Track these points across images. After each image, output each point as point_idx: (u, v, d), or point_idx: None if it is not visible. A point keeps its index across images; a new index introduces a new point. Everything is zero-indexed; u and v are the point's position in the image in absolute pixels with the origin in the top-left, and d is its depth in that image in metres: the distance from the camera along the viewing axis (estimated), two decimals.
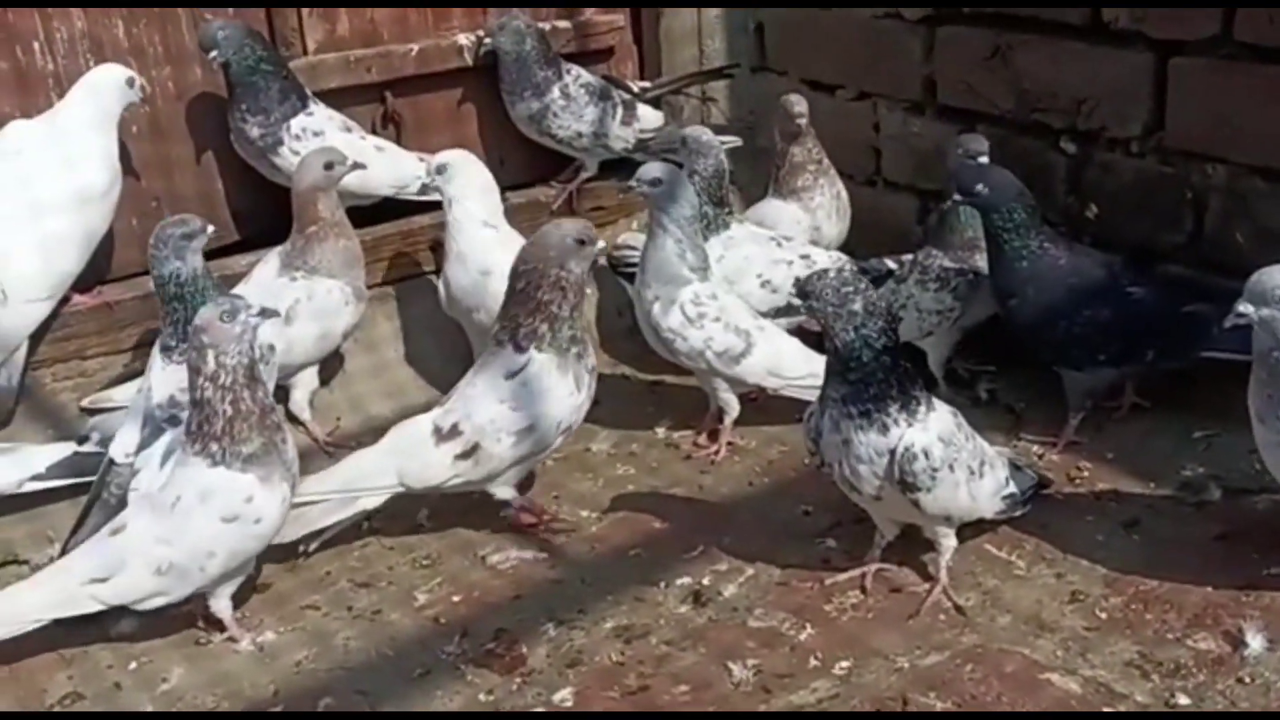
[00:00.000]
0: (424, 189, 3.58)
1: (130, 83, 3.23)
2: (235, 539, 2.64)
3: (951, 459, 2.46)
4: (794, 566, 2.80)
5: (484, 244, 3.39)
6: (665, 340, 3.24)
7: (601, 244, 3.02)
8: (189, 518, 2.61)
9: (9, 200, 3.09)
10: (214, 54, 3.38)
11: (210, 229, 3.03)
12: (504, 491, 3.02)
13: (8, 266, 3.08)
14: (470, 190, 3.40)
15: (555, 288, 2.88)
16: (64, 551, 2.92)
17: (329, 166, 3.23)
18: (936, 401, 2.52)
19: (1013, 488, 2.68)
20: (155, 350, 3.04)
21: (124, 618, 2.75)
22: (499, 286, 3.07)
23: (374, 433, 3.51)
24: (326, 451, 3.38)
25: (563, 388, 2.92)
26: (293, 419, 3.35)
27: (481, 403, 2.91)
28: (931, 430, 2.45)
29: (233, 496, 2.61)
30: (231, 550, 2.65)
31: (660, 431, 3.49)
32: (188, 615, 2.80)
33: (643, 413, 3.59)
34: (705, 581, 2.78)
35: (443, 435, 2.91)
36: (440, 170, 3.39)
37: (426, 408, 3.62)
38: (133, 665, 2.72)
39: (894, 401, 2.44)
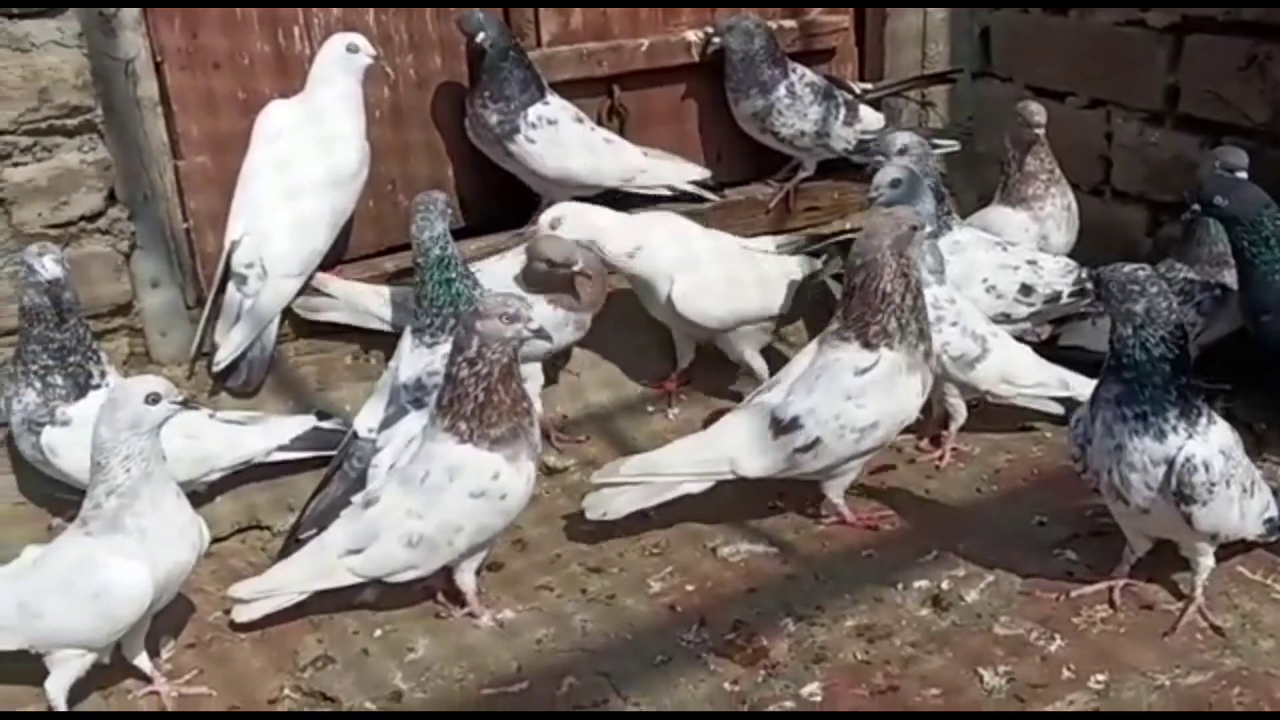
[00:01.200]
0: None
1: (351, 48, 3.26)
2: (482, 514, 2.70)
3: (1229, 474, 2.40)
4: (1035, 576, 2.77)
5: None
6: None
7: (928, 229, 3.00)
8: (439, 492, 2.68)
9: (270, 182, 3.22)
10: (481, 35, 3.44)
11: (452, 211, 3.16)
12: (835, 490, 3.02)
13: (268, 244, 3.21)
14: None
15: (898, 276, 2.86)
16: (299, 520, 3.03)
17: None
18: (1215, 414, 2.47)
19: (1274, 510, 2.61)
20: (407, 331, 3.12)
21: (369, 587, 2.85)
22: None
23: (592, 420, 3.60)
24: (556, 446, 3.44)
25: (910, 387, 2.90)
26: None
27: (826, 399, 2.89)
28: (1213, 443, 2.40)
29: (480, 473, 2.67)
30: (479, 525, 2.71)
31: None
32: (426, 588, 2.88)
33: None
34: (944, 586, 2.77)
35: (782, 428, 2.91)
36: (554, 224, 3.31)
37: (642, 397, 3.71)
38: (378, 633, 2.80)
39: (1172, 408, 2.39)
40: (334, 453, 3.11)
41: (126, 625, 2.50)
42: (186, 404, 2.51)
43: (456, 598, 2.84)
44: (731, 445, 2.95)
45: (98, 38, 2.96)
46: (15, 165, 2.92)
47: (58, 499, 3.06)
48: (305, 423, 3.23)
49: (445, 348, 2.89)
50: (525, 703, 2.57)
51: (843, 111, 3.88)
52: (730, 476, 2.95)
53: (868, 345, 2.87)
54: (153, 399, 2.42)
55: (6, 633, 2.49)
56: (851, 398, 2.87)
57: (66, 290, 2.78)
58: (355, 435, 3.08)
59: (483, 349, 2.61)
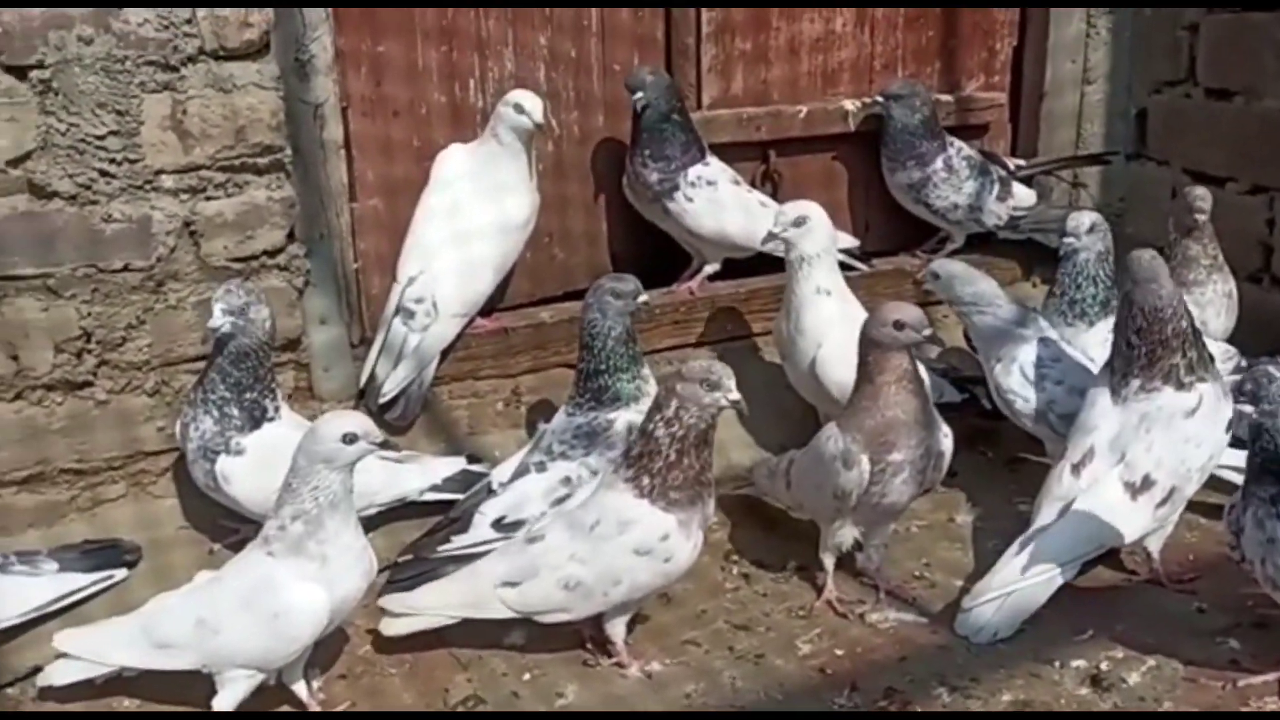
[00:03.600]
0: (769, 238, 3.38)
1: (517, 109, 3.31)
2: (643, 572, 2.71)
3: None
4: (1198, 664, 2.71)
5: (823, 313, 3.36)
6: (1006, 401, 3.27)
7: None
8: (605, 542, 2.69)
9: (443, 225, 3.32)
10: (639, 95, 3.54)
11: (642, 298, 3.11)
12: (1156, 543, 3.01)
13: (438, 284, 3.30)
14: (821, 248, 3.34)
15: (1177, 316, 2.92)
16: (394, 563, 3.06)
17: None
18: None
19: None
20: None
21: (516, 628, 2.88)
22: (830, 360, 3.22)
23: (733, 480, 3.61)
24: None
25: (1225, 412, 2.94)
26: None
27: (1169, 448, 2.90)
28: None
29: (651, 532, 2.67)
30: (637, 582, 2.72)
31: (1023, 507, 3.44)
32: (574, 634, 2.90)
33: (1003, 489, 3.55)
34: (1103, 666, 2.72)
35: (1136, 489, 2.90)
36: (799, 222, 3.31)
37: (782, 449, 3.69)
38: (527, 676, 2.82)
39: None
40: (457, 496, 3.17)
41: (302, 647, 2.56)
42: (384, 445, 2.57)
43: (604, 646, 2.86)
44: (1101, 521, 2.89)
45: (293, 81, 3.09)
46: (208, 199, 3.04)
47: (220, 524, 3.16)
48: (456, 464, 3.29)
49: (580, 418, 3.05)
50: None
51: (997, 187, 3.90)
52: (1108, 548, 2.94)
53: (1181, 386, 2.92)
54: (349, 439, 2.49)
55: (182, 651, 2.56)
56: (1188, 441, 2.89)
57: (242, 338, 2.88)
58: (490, 488, 3.12)
59: (680, 411, 2.63)
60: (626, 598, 2.75)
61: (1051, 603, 2.96)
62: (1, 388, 2.95)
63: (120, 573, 2.98)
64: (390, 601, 2.84)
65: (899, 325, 2.82)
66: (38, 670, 2.78)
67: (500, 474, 3.13)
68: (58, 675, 2.66)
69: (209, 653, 2.55)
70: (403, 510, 3.24)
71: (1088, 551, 2.90)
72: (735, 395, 2.63)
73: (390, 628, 2.83)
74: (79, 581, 2.90)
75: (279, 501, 2.55)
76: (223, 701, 2.56)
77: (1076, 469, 2.96)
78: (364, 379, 3.36)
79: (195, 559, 3.09)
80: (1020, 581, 2.85)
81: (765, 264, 3.81)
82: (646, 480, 2.66)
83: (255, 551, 2.58)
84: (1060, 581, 2.87)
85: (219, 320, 2.81)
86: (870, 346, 2.87)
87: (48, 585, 2.85)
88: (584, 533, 2.72)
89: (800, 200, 3.41)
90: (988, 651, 2.81)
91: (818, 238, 3.33)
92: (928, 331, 2.86)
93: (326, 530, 2.52)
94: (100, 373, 3.03)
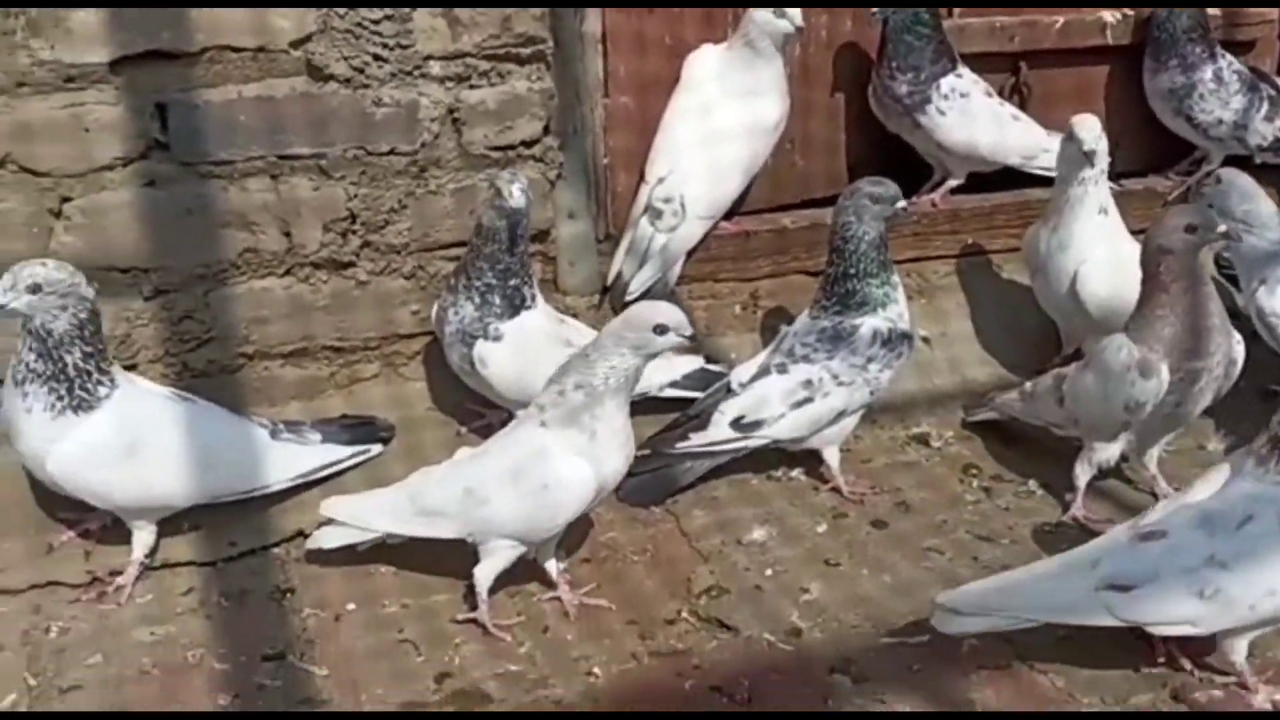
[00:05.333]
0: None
1: (777, 12, 3.24)
2: None
3: None
4: None
5: (1093, 231, 3.27)
6: (1268, 325, 3.16)
7: None
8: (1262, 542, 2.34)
9: (694, 126, 3.32)
10: (874, 12, 3.46)
11: (900, 204, 3.05)
12: None
13: (687, 185, 3.30)
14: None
15: None
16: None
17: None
18: None
19: None
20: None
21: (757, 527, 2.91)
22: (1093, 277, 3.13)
23: (968, 394, 3.54)
24: None
25: None
26: None
27: None
28: None
29: None
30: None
31: None
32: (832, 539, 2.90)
33: (1254, 419, 3.36)
34: None
35: None
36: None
37: (1017, 368, 3.61)
38: (769, 572, 2.85)
39: None
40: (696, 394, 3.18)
41: (566, 520, 2.62)
42: (692, 339, 2.59)
43: None
44: None
45: None
46: (472, 87, 3.08)
47: (467, 409, 3.24)
48: (695, 362, 3.30)
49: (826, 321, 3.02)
50: (924, 657, 2.56)
51: (1265, 106, 3.71)
52: None
53: None
54: (661, 330, 2.52)
55: (449, 519, 2.64)
56: None
57: (524, 219, 2.92)
58: (728, 388, 3.12)
59: None
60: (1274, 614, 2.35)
61: None
62: (274, 263, 3.06)
63: (375, 448, 3.08)
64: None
65: (1190, 229, 2.75)
66: (301, 534, 2.94)
67: (740, 374, 3.13)
68: (326, 539, 2.77)
69: (476, 521, 2.62)
70: (640, 405, 3.27)
71: None
72: None
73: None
74: (339, 453, 3.01)
75: (565, 368, 2.59)
76: (483, 570, 2.64)
77: None
78: (610, 277, 3.39)
79: (444, 440, 3.19)
80: None
81: (1010, 179, 3.72)
82: None
83: (527, 424, 2.64)
84: None
85: (519, 200, 2.86)
86: (1161, 255, 2.80)
87: (312, 454, 2.96)
88: (1229, 532, 2.37)
89: (1084, 114, 3.29)
90: None
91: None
92: (1221, 228, 2.80)
93: (604, 409, 2.56)
94: (363, 254, 3.13)
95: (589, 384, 2.55)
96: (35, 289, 2.50)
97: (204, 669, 2.56)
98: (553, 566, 2.75)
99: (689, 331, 2.56)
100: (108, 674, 2.53)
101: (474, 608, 2.67)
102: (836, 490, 3.14)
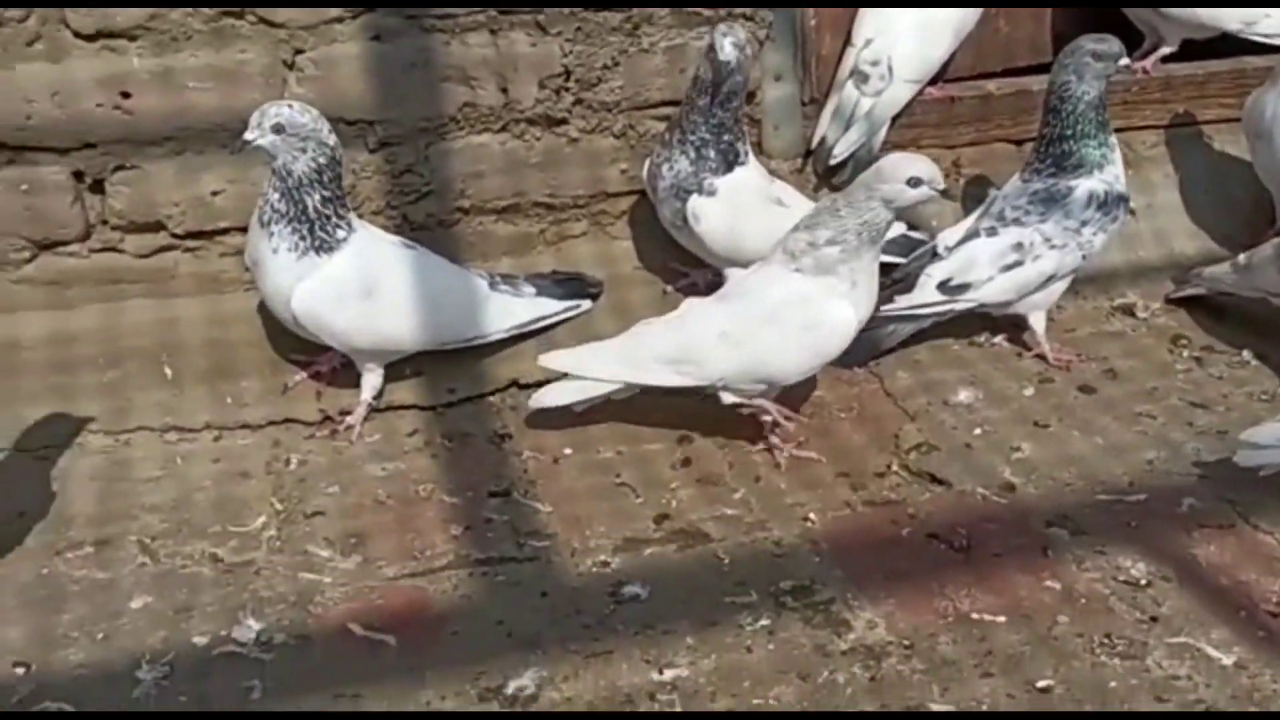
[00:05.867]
0: None
1: None
2: None
3: None
4: None
5: None
6: None
7: None
8: None
9: None
10: None
11: (1124, 61, 2.99)
12: None
13: (896, 47, 3.27)
14: None
15: None
16: None
17: None
18: None
19: None
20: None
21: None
22: None
23: (1174, 267, 3.47)
24: None
25: None
26: None
27: None
28: None
29: None
30: None
31: None
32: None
33: None
34: None
35: None
36: None
37: (1227, 240, 3.52)
38: (977, 431, 2.86)
39: None
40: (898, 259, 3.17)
41: (823, 362, 2.68)
42: (945, 194, 2.60)
43: None
44: None
45: None
46: None
47: (671, 267, 3.29)
48: (897, 228, 3.28)
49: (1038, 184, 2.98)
50: (1142, 515, 2.56)
51: None
52: None
53: None
54: (914, 182, 2.52)
55: (695, 365, 2.68)
56: None
57: (739, 74, 2.91)
58: (935, 251, 3.11)
59: None
60: None
61: None
62: (491, 118, 3.12)
63: (585, 303, 3.15)
64: None
65: None
66: (516, 384, 3.03)
67: (948, 238, 3.12)
68: (551, 397, 2.82)
69: (729, 364, 2.66)
70: None
71: None
72: None
73: None
74: (552, 307, 3.08)
75: (813, 221, 2.61)
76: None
77: None
78: (814, 141, 3.38)
79: (650, 298, 3.25)
80: None
81: (1227, 46, 3.60)
82: None
83: (776, 268, 2.65)
84: None
85: (729, 54, 2.86)
86: None
87: (527, 306, 3.04)
88: None
89: None
90: None
91: None
92: None
93: (861, 261, 2.59)
94: (575, 111, 3.17)
95: (843, 239, 2.56)
96: (279, 129, 2.60)
97: (434, 502, 2.68)
98: (773, 408, 2.77)
99: (942, 185, 2.55)
100: (346, 502, 2.67)
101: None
102: (1041, 356, 3.12)
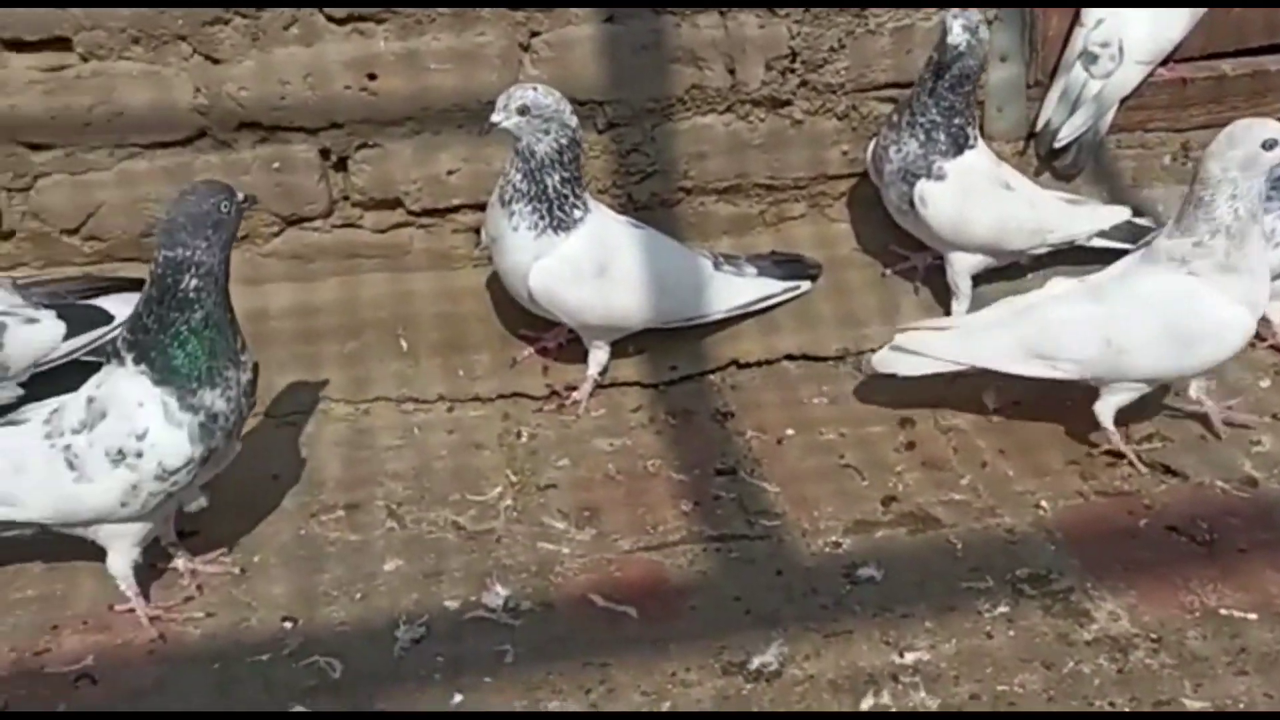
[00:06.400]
0: None
1: None
2: None
3: None
4: None
5: None
6: None
7: None
8: None
9: None
10: None
11: None
12: None
13: (1128, 28, 3.20)
14: None
15: None
16: None
17: None
18: None
19: None
20: None
21: None
22: None
23: None
24: None
25: None
26: None
27: None
28: None
29: None
30: None
31: None
32: None
33: None
34: None
35: None
36: None
37: None
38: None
39: None
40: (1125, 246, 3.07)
41: (1211, 367, 2.63)
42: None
43: None
44: None
45: None
46: None
47: (890, 250, 3.28)
48: (1121, 214, 3.21)
49: None
50: None
51: None
52: None
53: None
54: (1269, 144, 2.44)
55: (1075, 364, 2.64)
56: None
57: (969, 58, 2.87)
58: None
59: None
60: None
61: None
62: (717, 100, 3.15)
63: (805, 284, 3.17)
64: None
65: None
66: (735, 363, 3.07)
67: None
68: (899, 365, 2.78)
69: (1112, 369, 2.61)
70: (1064, 254, 3.23)
71: None
72: None
73: None
74: (774, 287, 3.11)
75: (1182, 220, 2.55)
76: (1103, 406, 2.67)
77: None
78: (1038, 124, 3.32)
79: (869, 280, 3.25)
80: None
81: None
82: None
83: (1166, 273, 2.57)
84: None
85: (959, 37, 2.84)
86: None
87: (749, 286, 3.07)
88: None
89: None
90: None
91: None
92: None
93: (1249, 243, 2.50)
94: (799, 93, 3.17)
95: (1222, 226, 2.49)
96: (524, 111, 2.66)
97: (662, 477, 2.73)
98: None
99: None
100: (577, 475, 2.74)
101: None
102: (1276, 347, 3.03)
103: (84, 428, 2.17)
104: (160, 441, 2.16)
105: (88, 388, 2.22)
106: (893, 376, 2.81)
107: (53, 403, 2.27)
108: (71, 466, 2.18)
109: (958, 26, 2.85)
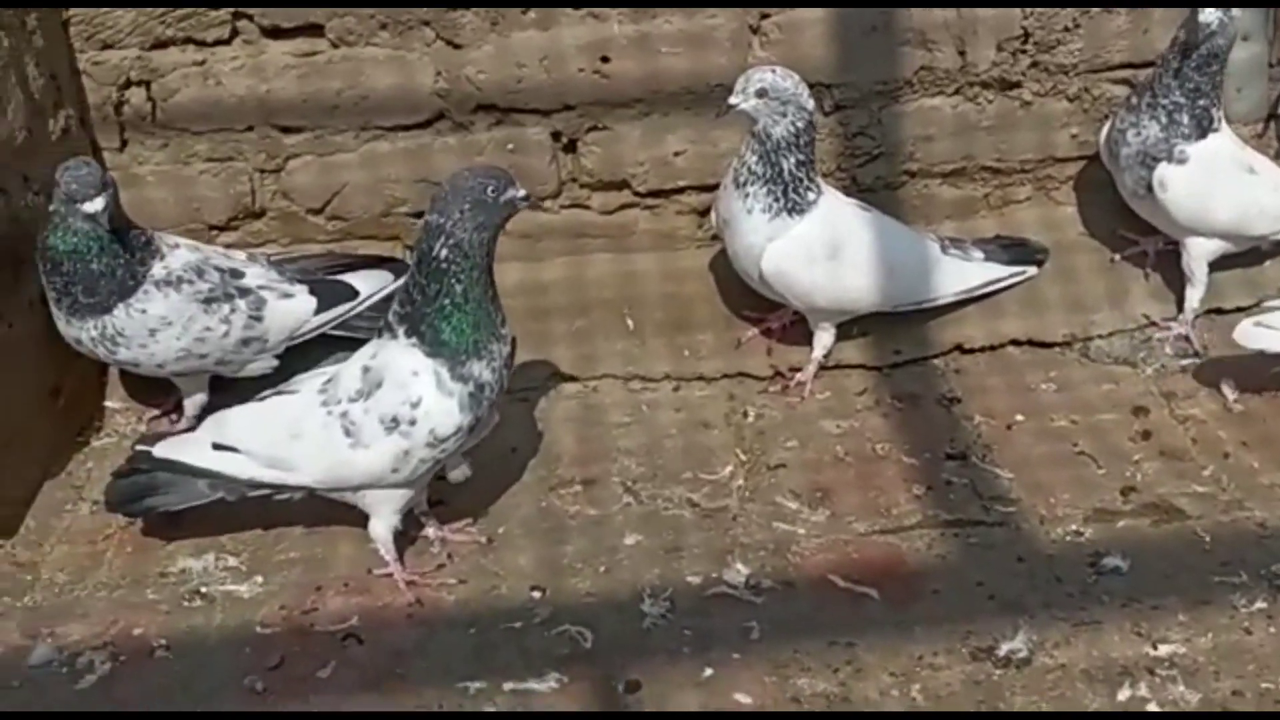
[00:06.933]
0: None
1: None
2: None
3: None
4: None
5: None
6: None
7: None
8: None
9: None
10: None
11: None
12: None
13: None
14: None
15: None
16: None
17: None
18: None
19: None
20: None
21: None
22: None
23: None
24: None
25: None
26: None
27: None
28: None
29: None
30: None
31: None
32: None
33: None
34: None
35: None
36: None
37: None
38: None
39: None
40: None
41: None
42: None
43: None
44: None
45: None
46: None
47: (1119, 235, 3.19)
48: None
49: None
50: None
51: None
52: None
53: None
54: None
55: None
56: None
57: (1219, 37, 2.77)
58: None
59: None
60: None
61: None
62: (945, 81, 3.11)
63: (1031, 269, 3.12)
64: None
65: None
66: (959, 348, 3.04)
67: None
68: (1259, 339, 2.68)
69: None
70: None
71: None
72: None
73: None
74: (1000, 272, 3.06)
75: None
76: None
77: None
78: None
79: (1096, 264, 3.18)
80: None
81: None
82: None
83: None
84: None
85: (1210, 16, 2.75)
86: None
87: (976, 270, 3.04)
88: None
89: None
90: None
91: None
92: None
93: None
94: (1030, 74, 3.12)
95: None
96: (762, 93, 2.68)
97: (892, 460, 2.73)
98: None
99: None
100: (805, 457, 2.76)
101: None
102: None
103: (360, 396, 2.27)
104: (433, 409, 2.25)
105: (361, 358, 2.32)
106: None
107: (325, 372, 2.37)
108: (348, 433, 2.27)
109: (1209, 8, 2.76)
